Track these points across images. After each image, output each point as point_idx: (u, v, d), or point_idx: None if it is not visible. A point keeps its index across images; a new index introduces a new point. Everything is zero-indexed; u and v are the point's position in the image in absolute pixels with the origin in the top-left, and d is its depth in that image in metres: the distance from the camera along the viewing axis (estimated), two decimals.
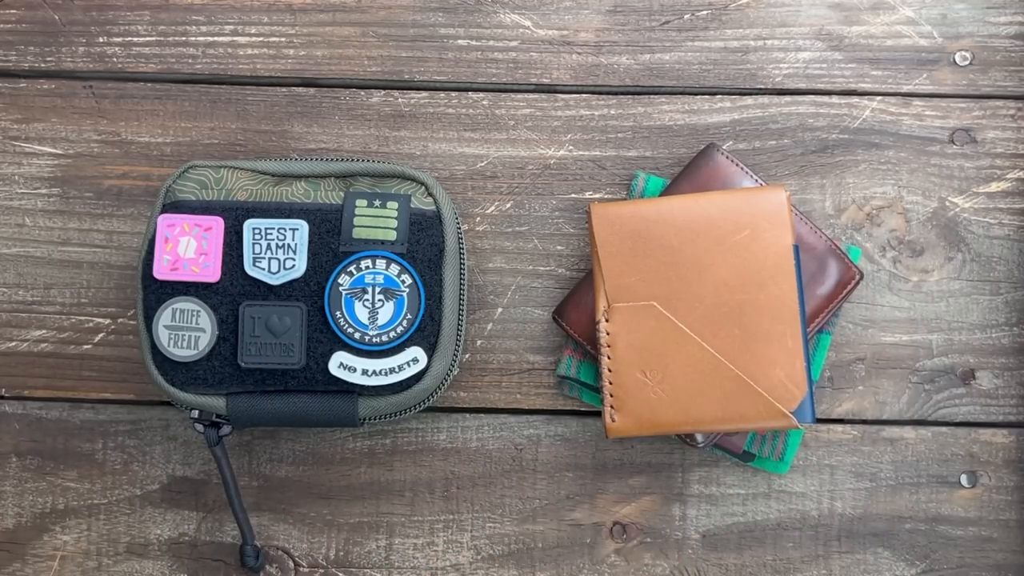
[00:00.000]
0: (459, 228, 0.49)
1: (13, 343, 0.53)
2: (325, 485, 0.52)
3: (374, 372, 0.47)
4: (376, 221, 0.48)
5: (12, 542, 0.52)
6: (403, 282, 0.47)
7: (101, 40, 0.54)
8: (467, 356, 0.52)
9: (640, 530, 0.52)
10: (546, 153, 0.53)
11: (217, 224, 0.47)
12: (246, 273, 0.47)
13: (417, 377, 0.47)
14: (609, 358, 0.47)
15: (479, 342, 0.53)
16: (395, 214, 0.48)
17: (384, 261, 0.47)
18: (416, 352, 0.47)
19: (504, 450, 0.52)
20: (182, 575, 0.52)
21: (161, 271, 0.46)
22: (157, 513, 0.52)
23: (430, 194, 0.49)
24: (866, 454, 0.52)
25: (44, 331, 0.53)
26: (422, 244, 0.48)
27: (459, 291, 0.49)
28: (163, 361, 0.47)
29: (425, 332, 0.47)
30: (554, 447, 0.52)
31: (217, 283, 0.47)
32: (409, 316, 0.47)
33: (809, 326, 0.49)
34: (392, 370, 0.47)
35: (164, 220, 0.47)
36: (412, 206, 0.48)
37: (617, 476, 0.52)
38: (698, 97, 0.53)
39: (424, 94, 0.53)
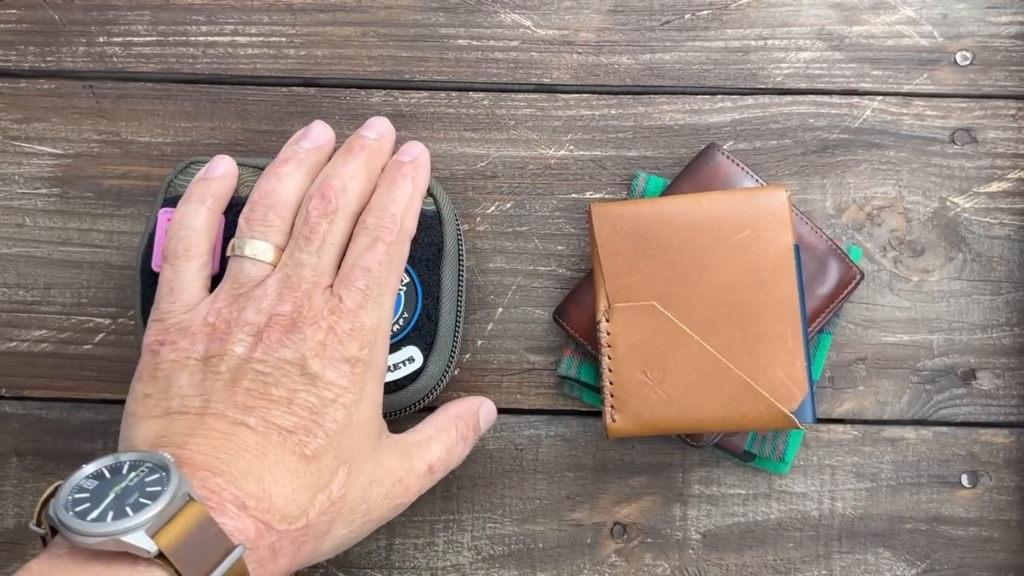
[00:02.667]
0: (459, 229, 0.49)
1: (13, 343, 0.53)
2: None
3: None
4: None
5: (12, 542, 0.52)
6: (401, 281, 0.47)
7: (101, 40, 0.54)
8: (467, 356, 0.52)
9: (641, 530, 0.52)
10: (546, 153, 0.53)
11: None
12: None
13: (413, 377, 0.47)
14: (609, 358, 0.47)
15: (479, 342, 0.53)
16: None
17: None
18: (412, 351, 0.47)
19: (504, 450, 0.52)
20: None
21: (160, 265, 0.46)
22: None
23: (430, 194, 0.49)
24: (867, 454, 0.52)
25: (44, 331, 0.53)
26: (421, 244, 0.48)
27: (457, 292, 0.49)
28: None
29: (422, 332, 0.47)
30: (554, 447, 0.52)
31: (215, 278, 0.47)
32: (406, 315, 0.47)
33: (810, 326, 0.49)
34: (388, 368, 0.47)
35: (164, 214, 0.47)
36: None
37: (617, 476, 0.52)
38: (699, 97, 0.53)
39: (424, 94, 0.53)
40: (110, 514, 0.35)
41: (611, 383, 0.47)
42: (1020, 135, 0.53)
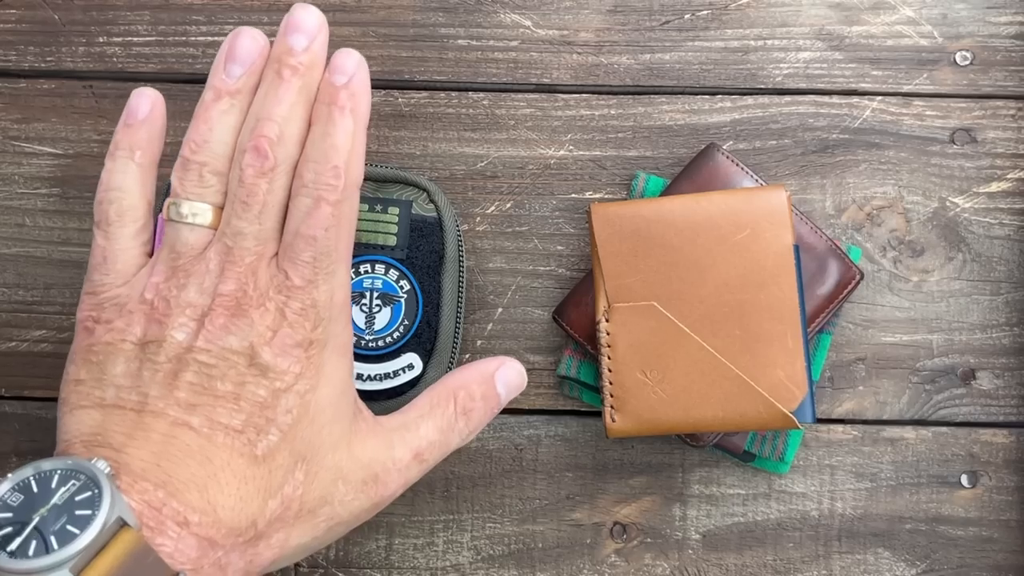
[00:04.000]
0: (459, 236, 0.49)
1: (13, 343, 0.53)
2: None
3: (368, 377, 0.47)
4: (377, 226, 0.48)
5: None
6: (401, 288, 0.47)
7: (101, 40, 0.54)
8: (467, 356, 0.52)
9: (640, 530, 0.52)
10: (546, 153, 0.53)
11: None
12: None
13: (412, 383, 0.47)
14: (609, 358, 0.47)
15: (479, 342, 0.53)
16: (396, 219, 0.48)
17: (383, 266, 0.47)
18: (411, 358, 0.47)
19: (504, 450, 0.52)
20: None
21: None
22: None
23: (432, 201, 0.49)
24: (866, 454, 0.52)
25: (44, 331, 0.53)
26: (422, 251, 0.48)
27: (457, 299, 0.49)
28: None
29: (421, 339, 0.47)
30: (554, 447, 0.52)
31: None
32: (406, 322, 0.47)
33: (810, 326, 0.49)
34: (387, 375, 0.47)
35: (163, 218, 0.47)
36: (413, 212, 0.48)
37: (617, 476, 0.52)
38: (698, 97, 0.53)
39: (424, 94, 0.53)
40: (32, 545, 0.31)
41: (611, 383, 0.47)
42: (1020, 135, 0.53)
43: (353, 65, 0.39)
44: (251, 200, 0.38)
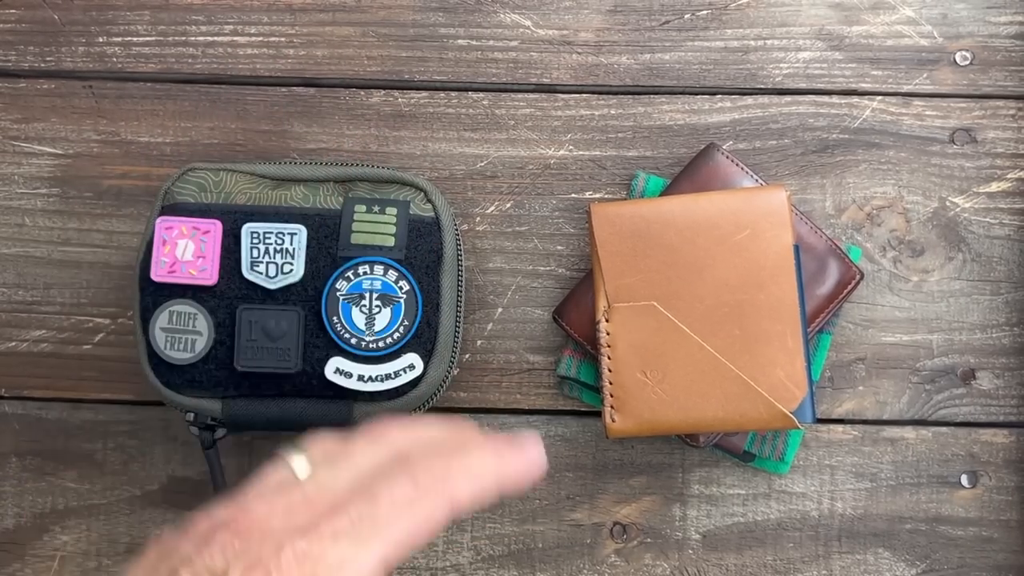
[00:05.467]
0: (457, 235, 0.49)
1: (13, 343, 0.53)
2: None
3: (370, 378, 0.47)
4: (375, 227, 0.48)
5: (12, 542, 0.52)
6: (401, 288, 0.47)
7: (101, 40, 0.54)
8: (467, 356, 0.52)
9: (640, 530, 0.52)
10: (546, 153, 0.53)
11: (215, 227, 0.47)
12: (244, 277, 0.47)
13: (413, 383, 0.47)
14: (609, 358, 0.47)
15: (479, 342, 0.53)
16: (394, 220, 0.48)
17: (382, 267, 0.47)
18: (412, 358, 0.47)
19: None
20: None
21: (158, 273, 0.46)
22: (157, 513, 0.52)
23: (429, 200, 0.48)
24: (866, 454, 0.52)
25: (44, 331, 0.53)
26: (420, 250, 0.48)
27: (456, 298, 0.49)
28: (159, 363, 0.46)
29: (422, 339, 0.47)
30: (554, 447, 0.52)
31: (214, 286, 0.47)
32: (406, 322, 0.47)
33: (809, 326, 0.49)
34: (388, 376, 0.47)
35: (162, 223, 0.47)
36: (411, 212, 0.48)
37: (617, 476, 0.52)
38: (698, 97, 0.53)
39: (424, 94, 0.53)
40: None
41: (611, 383, 0.47)
42: (1020, 135, 0.53)
43: (525, 465, 0.35)
44: None
